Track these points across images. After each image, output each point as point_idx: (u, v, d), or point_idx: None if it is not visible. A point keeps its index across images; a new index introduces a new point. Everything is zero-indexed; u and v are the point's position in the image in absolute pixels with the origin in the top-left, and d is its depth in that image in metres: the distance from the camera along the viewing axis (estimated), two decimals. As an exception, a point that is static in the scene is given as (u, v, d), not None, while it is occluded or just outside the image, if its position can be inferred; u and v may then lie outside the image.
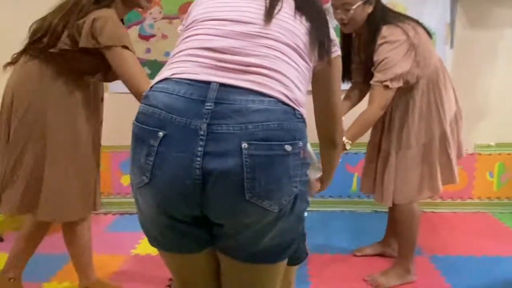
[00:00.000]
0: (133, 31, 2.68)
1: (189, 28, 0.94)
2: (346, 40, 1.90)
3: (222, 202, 0.81)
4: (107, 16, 1.43)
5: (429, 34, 1.81)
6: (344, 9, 1.69)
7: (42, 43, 1.50)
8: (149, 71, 2.70)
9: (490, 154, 2.75)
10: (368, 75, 1.82)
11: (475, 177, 2.78)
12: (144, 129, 0.83)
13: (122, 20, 1.59)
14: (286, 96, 0.83)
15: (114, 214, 2.86)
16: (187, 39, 0.91)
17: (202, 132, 0.78)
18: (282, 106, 0.82)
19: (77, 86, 1.58)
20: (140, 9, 2.63)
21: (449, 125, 1.84)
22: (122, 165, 2.86)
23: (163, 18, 2.68)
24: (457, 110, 1.91)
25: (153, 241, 0.96)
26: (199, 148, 0.78)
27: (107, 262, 2.14)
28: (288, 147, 0.80)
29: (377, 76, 1.68)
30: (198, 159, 0.78)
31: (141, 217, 0.94)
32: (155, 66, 2.72)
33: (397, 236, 2.01)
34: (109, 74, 1.58)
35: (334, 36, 1.01)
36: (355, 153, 2.77)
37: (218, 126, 0.78)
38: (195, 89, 0.81)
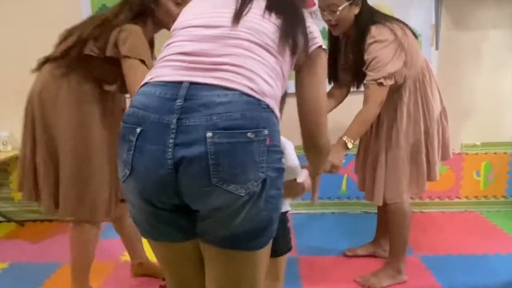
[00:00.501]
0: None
1: (171, 36, 1.04)
2: (333, 42, 1.92)
3: (193, 187, 0.88)
4: (131, 29, 1.50)
5: (415, 35, 1.83)
6: (330, 10, 1.71)
7: (68, 53, 1.56)
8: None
9: (476, 154, 2.79)
10: (356, 75, 1.83)
11: (462, 177, 2.81)
12: (126, 127, 0.93)
13: (152, 40, 1.70)
14: (250, 88, 0.90)
15: (103, 221, 2.81)
16: (167, 47, 1.01)
17: (172, 126, 0.86)
18: (246, 98, 0.89)
19: (96, 95, 1.63)
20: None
21: (435, 124, 1.87)
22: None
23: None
24: (442, 110, 1.94)
25: (143, 232, 1.03)
26: (170, 140, 0.86)
27: (97, 268, 2.09)
28: (251, 135, 0.87)
29: (371, 75, 1.70)
30: (170, 150, 0.86)
31: (131, 210, 1.01)
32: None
33: (389, 236, 2.01)
34: (125, 85, 1.61)
35: (313, 29, 1.05)
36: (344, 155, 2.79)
37: (187, 120, 0.86)
38: (169, 89, 0.90)
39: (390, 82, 1.70)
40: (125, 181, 0.94)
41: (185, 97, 0.88)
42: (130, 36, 1.49)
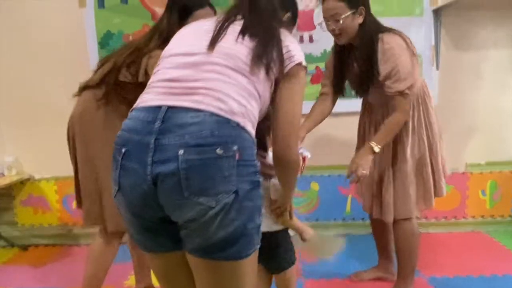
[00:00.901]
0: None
1: (158, 65, 1.14)
2: (339, 53, 1.90)
3: (169, 200, 0.97)
4: (159, 55, 1.53)
5: None
6: (334, 20, 1.72)
7: (105, 79, 1.66)
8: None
9: (481, 173, 2.77)
10: (363, 84, 1.82)
11: (468, 196, 2.79)
12: (115, 148, 1.03)
13: None
14: (220, 108, 0.98)
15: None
16: (154, 74, 1.12)
17: (151, 146, 0.95)
18: (216, 118, 0.97)
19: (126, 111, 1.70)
20: (130, 38, 2.69)
21: (438, 139, 1.88)
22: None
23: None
24: (438, 127, 1.93)
25: (139, 245, 1.12)
26: (149, 159, 0.95)
27: (98, 294, 2.08)
28: (220, 151, 0.94)
29: (395, 87, 1.69)
30: (149, 167, 0.95)
31: (126, 224, 1.09)
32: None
33: (392, 257, 1.98)
34: None
35: (292, 48, 1.11)
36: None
37: (163, 140, 0.95)
38: (150, 113, 1.00)
39: (413, 90, 1.72)
40: (115, 197, 1.04)
41: (162, 119, 0.97)
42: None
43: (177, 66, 1.07)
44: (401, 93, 1.69)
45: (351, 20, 1.72)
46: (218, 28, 1.09)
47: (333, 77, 1.93)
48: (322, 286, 2.13)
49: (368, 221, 2.78)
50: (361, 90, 1.88)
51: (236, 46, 1.06)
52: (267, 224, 1.37)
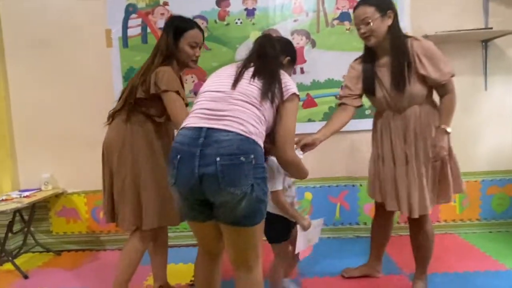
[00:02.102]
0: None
1: (197, 97, 1.41)
2: (369, 55, 1.82)
3: (211, 190, 1.24)
4: (164, 69, 1.67)
5: None
6: (364, 23, 1.70)
7: (126, 101, 1.72)
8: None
9: (451, 182, 2.75)
10: (399, 83, 1.69)
11: (440, 203, 2.76)
12: (172, 155, 1.30)
13: (180, 77, 1.82)
14: (242, 130, 1.25)
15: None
16: (195, 104, 1.39)
17: (197, 154, 1.23)
18: (240, 136, 1.24)
19: (155, 131, 1.75)
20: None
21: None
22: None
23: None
24: None
25: (184, 217, 1.42)
26: (196, 163, 1.23)
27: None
28: (242, 158, 1.22)
29: (448, 71, 1.68)
30: (196, 169, 1.23)
31: (177, 204, 1.37)
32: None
33: (420, 252, 1.89)
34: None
35: (288, 83, 1.38)
36: (336, 186, 2.77)
37: (205, 150, 1.23)
38: (195, 132, 1.27)
39: None
40: (172, 187, 1.31)
41: (204, 136, 1.24)
42: (165, 74, 1.65)
43: (211, 99, 1.34)
44: (452, 76, 1.69)
45: (380, 23, 1.68)
46: (238, 73, 1.38)
47: (361, 86, 1.83)
48: (316, 283, 2.09)
49: (355, 226, 2.77)
50: (397, 89, 1.70)
51: (249, 86, 1.34)
52: (271, 206, 1.63)
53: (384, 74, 1.76)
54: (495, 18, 2.61)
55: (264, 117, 1.32)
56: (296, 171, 1.49)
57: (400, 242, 2.55)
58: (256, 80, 1.35)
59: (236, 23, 2.68)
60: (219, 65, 2.67)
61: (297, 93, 1.38)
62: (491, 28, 2.55)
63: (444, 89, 1.72)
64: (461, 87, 2.71)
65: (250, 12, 2.68)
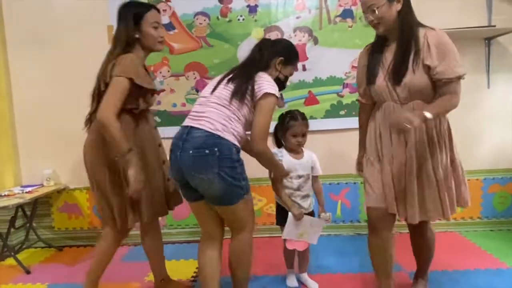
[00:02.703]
0: (146, 87, 2.72)
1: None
2: (378, 42, 1.66)
3: (187, 174, 1.54)
4: (126, 56, 1.63)
5: None
6: (371, 10, 1.55)
7: (94, 98, 1.69)
8: (159, 120, 2.73)
9: (452, 180, 2.75)
10: (394, 71, 1.55)
11: (441, 201, 2.76)
12: (172, 146, 1.60)
13: (145, 67, 1.78)
14: (210, 128, 1.53)
15: (129, 245, 2.78)
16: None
17: (180, 147, 1.54)
18: (206, 133, 1.53)
19: (131, 121, 1.70)
20: (151, 69, 2.72)
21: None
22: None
23: (171, 76, 2.74)
24: None
25: (184, 196, 1.71)
26: (178, 154, 1.55)
27: (123, 289, 2.06)
28: (207, 151, 1.50)
29: (456, 71, 1.49)
30: (178, 157, 1.54)
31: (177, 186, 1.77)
32: (164, 115, 2.75)
33: (425, 256, 1.86)
34: (147, 98, 1.72)
35: (262, 83, 1.58)
36: (337, 183, 2.77)
37: (185, 144, 1.54)
38: (183, 129, 1.60)
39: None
40: (170, 171, 1.65)
41: (186, 133, 1.56)
42: (124, 60, 1.59)
43: (198, 103, 1.65)
44: (459, 78, 1.51)
45: (388, 8, 1.53)
46: (219, 80, 1.65)
47: (365, 78, 1.67)
48: (317, 280, 2.09)
49: (356, 223, 2.76)
50: (395, 77, 1.55)
51: (223, 90, 1.61)
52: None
53: (388, 61, 1.60)
54: (498, 15, 2.60)
55: (236, 116, 1.57)
56: (267, 163, 1.71)
57: (400, 240, 2.55)
58: (230, 84, 1.61)
59: (239, 19, 2.67)
60: (221, 61, 2.68)
61: (271, 92, 1.56)
62: (494, 26, 2.54)
63: (447, 89, 1.52)
64: (464, 85, 2.69)
65: (252, 9, 2.67)
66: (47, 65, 2.77)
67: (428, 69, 1.52)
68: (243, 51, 2.65)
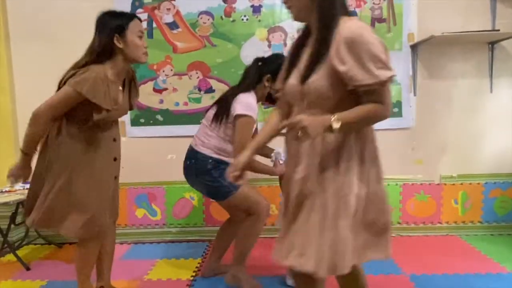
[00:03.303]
0: (148, 86, 2.72)
1: None
2: (302, 35, 1.26)
3: (188, 178, 2.03)
4: (93, 71, 1.51)
5: None
6: None
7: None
8: (161, 119, 2.73)
9: (453, 184, 2.74)
10: (303, 73, 1.15)
11: (442, 204, 2.75)
12: None
13: (129, 71, 1.70)
14: (194, 144, 1.99)
15: (129, 244, 2.77)
16: None
17: (189, 159, 2.00)
18: (190, 148, 2.01)
19: (84, 132, 1.61)
20: (154, 67, 2.72)
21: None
22: (137, 199, 2.81)
23: (174, 74, 2.74)
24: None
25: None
26: (188, 162, 2.01)
27: (123, 286, 2.05)
28: (188, 162, 1.99)
29: (378, 75, 1.07)
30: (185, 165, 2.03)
31: None
32: (167, 114, 2.75)
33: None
34: (104, 114, 1.57)
35: (236, 107, 1.84)
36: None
37: (187, 157, 2.03)
38: (190, 146, 2.06)
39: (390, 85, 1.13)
40: None
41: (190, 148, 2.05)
42: (83, 74, 1.50)
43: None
44: (384, 83, 1.08)
45: None
46: (215, 101, 2.01)
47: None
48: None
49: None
50: (301, 78, 1.15)
51: (210, 112, 1.98)
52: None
53: (303, 58, 1.21)
54: (502, 20, 2.60)
55: (216, 133, 1.92)
56: (256, 172, 1.90)
57: (400, 242, 2.55)
58: (214, 106, 1.97)
59: (242, 19, 2.67)
60: (224, 61, 2.68)
61: (242, 113, 1.82)
62: (498, 30, 2.53)
63: (369, 98, 1.10)
64: (466, 88, 2.74)
65: (256, 9, 2.67)
66: (50, 61, 2.77)
67: (336, 73, 1.10)
68: (247, 51, 2.66)
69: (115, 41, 1.56)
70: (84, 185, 1.60)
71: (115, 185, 1.75)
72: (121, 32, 1.57)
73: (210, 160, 1.89)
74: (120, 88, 1.67)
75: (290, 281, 2.05)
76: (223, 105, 1.90)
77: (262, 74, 1.91)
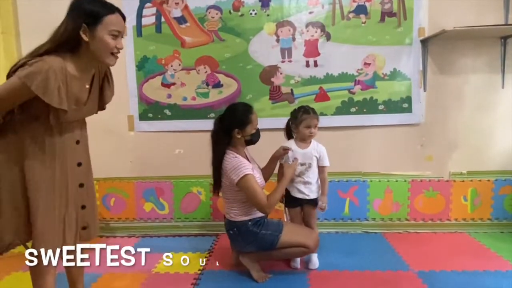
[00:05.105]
0: (157, 80, 2.73)
1: None
2: None
3: (236, 245, 2.15)
4: (46, 63, 1.30)
5: None
6: None
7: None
8: (169, 113, 2.75)
9: (463, 181, 2.72)
10: None
11: (451, 201, 2.73)
12: None
13: (103, 70, 1.53)
14: (231, 217, 2.10)
15: (137, 237, 2.80)
16: None
17: None
18: (230, 220, 2.11)
19: (40, 132, 1.41)
20: (162, 62, 2.72)
21: None
22: (145, 193, 2.84)
23: (182, 69, 2.75)
24: None
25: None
26: (231, 232, 2.12)
27: (131, 279, 2.08)
28: (234, 231, 2.10)
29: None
30: None
31: None
32: (174, 109, 2.76)
33: None
34: (59, 114, 1.38)
35: (231, 179, 1.99)
36: (346, 181, 2.76)
37: None
38: None
39: None
40: None
41: None
42: (35, 66, 1.29)
43: None
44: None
45: None
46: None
47: None
48: (324, 276, 2.10)
49: (364, 221, 2.76)
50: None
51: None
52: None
53: None
54: (515, 14, 2.56)
55: (233, 201, 2.05)
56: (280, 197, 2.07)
57: (408, 239, 2.54)
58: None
59: (251, 14, 2.67)
60: (232, 56, 2.68)
61: (237, 179, 1.93)
62: (511, 24, 2.49)
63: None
64: (478, 84, 2.70)
65: (265, 3, 2.66)
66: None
67: None
68: (255, 45, 2.65)
69: (81, 32, 1.33)
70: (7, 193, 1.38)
71: (84, 194, 1.55)
72: (92, 24, 1.33)
73: (249, 223, 2.01)
74: (87, 86, 1.45)
75: (293, 263, 2.16)
76: (216, 179, 2.04)
77: (230, 130, 1.99)
